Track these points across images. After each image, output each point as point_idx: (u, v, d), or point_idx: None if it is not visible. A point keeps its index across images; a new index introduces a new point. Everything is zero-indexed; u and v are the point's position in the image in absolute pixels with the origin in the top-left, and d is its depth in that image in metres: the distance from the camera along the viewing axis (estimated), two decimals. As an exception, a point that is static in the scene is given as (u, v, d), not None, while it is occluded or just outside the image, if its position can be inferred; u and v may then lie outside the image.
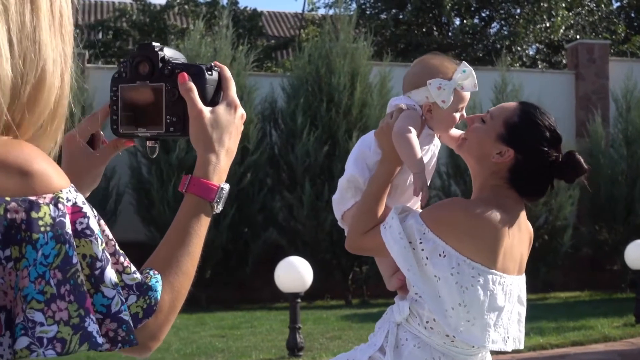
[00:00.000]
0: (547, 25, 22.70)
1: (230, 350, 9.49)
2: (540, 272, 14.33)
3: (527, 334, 9.94)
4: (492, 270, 2.71)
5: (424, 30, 22.72)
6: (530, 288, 2.98)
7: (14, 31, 1.31)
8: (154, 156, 1.82)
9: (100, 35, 22.39)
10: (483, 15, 23.92)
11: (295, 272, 8.36)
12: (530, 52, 23.67)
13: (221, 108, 1.72)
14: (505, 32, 23.11)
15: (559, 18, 22.46)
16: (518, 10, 23.23)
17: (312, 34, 20.33)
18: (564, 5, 22.84)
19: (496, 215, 2.73)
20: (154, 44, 1.76)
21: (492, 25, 23.87)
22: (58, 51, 1.38)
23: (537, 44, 23.50)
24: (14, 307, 1.26)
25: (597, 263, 15.81)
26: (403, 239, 2.71)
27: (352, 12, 17.80)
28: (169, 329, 1.58)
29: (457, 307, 2.69)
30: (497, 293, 2.73)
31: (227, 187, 1.70)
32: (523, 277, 2.90)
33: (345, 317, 12.08)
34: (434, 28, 23.04)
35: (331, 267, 13.85)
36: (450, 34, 22.90)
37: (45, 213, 1.28)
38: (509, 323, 2.79)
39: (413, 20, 22.42)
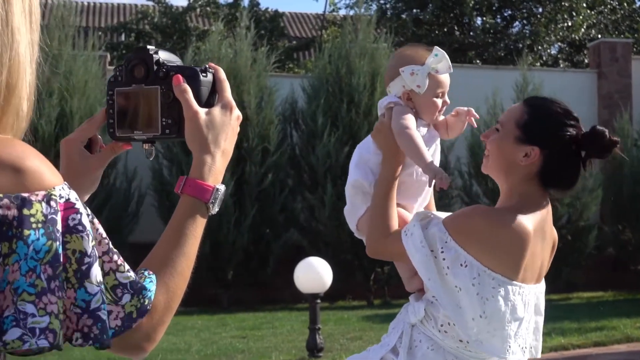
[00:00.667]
0: (569, 24, 22.58)
1: (250, 351, 9.51)
2: (563, 273, 14.26)
3: (548, 335, 9.91)
4: (513, 282, 2.68)
5: (445, 30, 22.66)
6: (553, 288, 2.95)
7: None
8: (151, 159, 1.83)
9: (122, 38, 22.50)
10: (505, 14, 23.82)
11: (314, 273, 8.35)
12: (552, 52, 23.54)
13: (216, 109, 1.73)
14: (527, 32, 23.00)
15: (581, 17, 22.34)
16: (540, 10, 23.11)
17: (333, 35, 20.32)
18: (585, 4, 22.70)
19: (521, 225, 2.67)
20: (148, 47, 1.77)
21: (514, 24, 23.76)
22: (28, 37, 1.39)
23: (559, 43, 23.37)
24: (2, 301, 1.27)
25: (620, 263, 15.70)
26: (425, 247, 2.68)
27: (372, 13, 17.80)
28: (164, 330, 1.58)
29: (477, 318, 2.66)
30: (517, 304, 2.71)
31: (222, 188, 1.70)
32: (542, 285, 2.86)
33: (366, 318, 12.06)
34: (455, 28, 22.97)
35: (353, 268, 13.84)
36: (471, 33, 22.82)
37: (37, 210, 1.29)
38: (527, 333, 2.78)
39: (434, 20, 22.37)
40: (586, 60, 22.14)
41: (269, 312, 13.05)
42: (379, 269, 14.17)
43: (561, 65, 22.38)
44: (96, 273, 1.38)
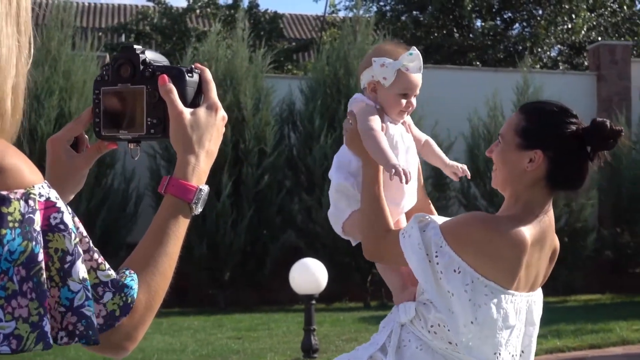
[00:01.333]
0: (569, 26, 22.59)
1: (245, 352, 9.51)
2: (562, 275, 14.25)
3: (544, 337, 9.91)
4: (507, 290, 2.67)
5: (444, 32, 22.66)
6: (551, 291, 2.93)
7: None
8: (136, 158, 1.83)
9: (122, 38, 22.50)
10: (504, 16, 23.83)
11: (309, 274, 8.35)
12: (552, 54, 23.55)
13: (202, 110, 1.73)
14: (527, 34, 23.01)
15: (581, 19, 22.34)
16: (540, 12, 23.12)
17: (333, 36, 20.33)
18: (585, 6, 22.71)
19: (519, 236, 2.65)
20: (135, 46, 1.77)
21: (514, 26, 23.77)
22: (13, 40, 1.38)
23: (559, 46, 23.38)
24: None
25: (619, 266, 15.70)
26: (422, 249, 2.67)
27: (371, 15, 17.81)
28: (145, 330, 1.58)
29: (469, 324, 2.66)
30: (509, 312, 2.70)
31: (206, 188, 1.70)
32: (536, 294, 2.84)
33: (362, 319, 12.06)
34: (455, 30, 22.97)
35: (350, 270, 13.84)
36: (471, 35, 22.82)
37: (15, 209, 1.29)
38: (517, 341, 2.77)
39: (433, 22, 22.36)
40: (586, 63, 22.15)
41: (265, 313, 13.05)
42: (375, 270, 14.13)
43: (561, 68, 22.37)
44: (79, 270, 1.38)
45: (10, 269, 1.27)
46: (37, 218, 1.32)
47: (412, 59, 2.88)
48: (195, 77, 1.76)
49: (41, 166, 1.47)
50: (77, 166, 1.83)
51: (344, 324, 11.50)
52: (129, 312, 1.50)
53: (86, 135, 1.86)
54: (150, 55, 1.77)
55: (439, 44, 22.06)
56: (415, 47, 2.93)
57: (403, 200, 2.96)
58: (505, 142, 2.78)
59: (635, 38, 22.90)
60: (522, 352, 2.84)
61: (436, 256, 2.66)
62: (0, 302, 1.27)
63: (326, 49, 14.80)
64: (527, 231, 2.67)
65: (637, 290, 15.23)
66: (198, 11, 22.71)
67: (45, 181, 1.37)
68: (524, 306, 2.76)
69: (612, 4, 23.70)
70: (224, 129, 1.77)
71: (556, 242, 2.85)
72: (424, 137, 3.12)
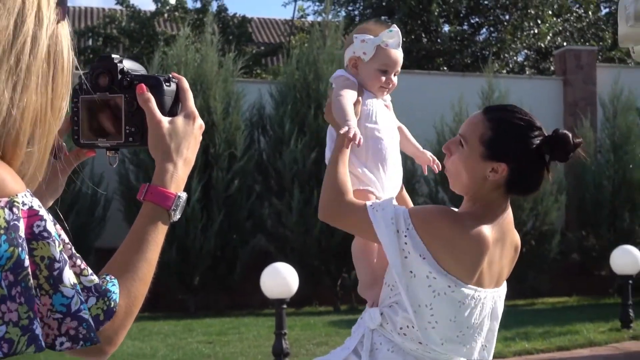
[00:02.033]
0: (535, 31, 22.79)
1: (217, 356, 9.52)
2: (529, 278, 14.38)
3: (512, 339, 10.02)
4: (468, 285, 2.73)
5: (412, 37, 22.78)
6: (519, 294, 2.99)
7: None
8: (115, 166, 1.86)
9: (90, 42, 22.38)
10: (472, 21, 23.99)
11: (280, 278, 8.38)
12: (519, 59, 23.74)
13: (179, 119, 1.76)
14: (494, 39, 23.18)
15: (547, 24, 22.55)
16: (507, 17, 23.30)
17: (302, 41, 20.37)
18: (551, 12, 22.93)
19: (482, 233, 2.71)
20: (113, 55, 1.80)
21: (481, 31, 23.94)
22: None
23: (526, 50, 23.57)
24: None
25: (584, 268, 15.86)
26: (394, 224, 2.73)
27: (340, 19, 17.87)
28: (125, 334, 1.61)
29: (423, 307, 2.73)
30: (468, 306, 2.76)
31: (184, 195, 1.74)
32: (501, 289, 2.90)
33: (332, 323, 12.10)
34: (423, 35, 23.10)
35: (319, 274, 13.88)
36: (438, 40, 22.96)
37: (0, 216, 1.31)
38: (473, 335, 2.83)
39: (401, 27, 22.43)
40: (552, 68, 22.36)
41: (235, 317, 13.05)
42: (345, 274, 14.21)
43: (527, 73, 22.56)
44: (69, 276, 1.40)
45: None
46: (22, 225, 1.34)
47: (392, 35, 3.01)
48: (173, 86, 1.79)
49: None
50: (56, 173, 1.86)
51: (315, 328, 11.53)
52: (112, 316, 1.53)
53: (64, 143, 1.89)
54: (128, 65, 1.80)
55: (407, 49, 22.09)
56: (395, 25, 3.06)
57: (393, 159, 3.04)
58: (469, 149, 2.80)
59: (601, 43, 23.15)
60: (485, 346, 2.90)
61: (405, 235, 2.72)
62: None
63: (296, 54, 14.83)
64: (489, 229, 2.74)
65: (602, 293, 15.39)
66: (166, 15, 22.65)
67: (28, 190, 1.40)
68: (489, 302, 2.83)
69: (577, 10, 23.94)
70: (201, 137, 1.81)
71: (517, 238, 2.92)
72: (398, 123, 3.20)
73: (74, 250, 1.46)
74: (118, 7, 22.99)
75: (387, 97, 3.17)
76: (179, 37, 14.80)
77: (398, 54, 3.04)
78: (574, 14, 23.79)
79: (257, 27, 27.20)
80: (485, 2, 23.34)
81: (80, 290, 1.44)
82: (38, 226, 1.37)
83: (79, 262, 1.46)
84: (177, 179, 1.74)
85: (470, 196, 2.83)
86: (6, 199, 1.33)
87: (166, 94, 1.77)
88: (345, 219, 2.90)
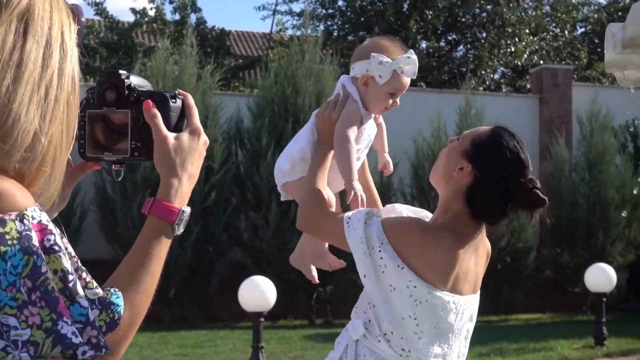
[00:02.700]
0: (512, 49, 22.97)
1: (192, 369, 9.51)
2: (503, 294, 14.46)
3: (487, 355, 10.07)
4: (445, 292, 2.78)
5: (390, 52, 22.87)
6: (493, 310, 3.05)
7: None
8: (119, 179, 1.89)
9: (67, 52, 22.27)
10: (449, 38, 24.14)
11: (259, 292, 8.40)
12: (496, 76, 23.91)
13: (185, 135, 1.79)
14: (471, 56, 23.34)
15: (524, 43, 22.73)
16: (484, 35, 23.47)
17: (280, 54, 20.42)
18: (528, 30, 23.12)
19: (450, 242, 2.78)
20: (120, 72, 1.83)
21: (458, 48, 24.09)
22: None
23: (502, 68, 23.75)
24: None
25: (559, 285, 15.96)
26: (363, 243, 2.78)
27: (319, 34, 17.93)
28: (127, 345, 1.64)
29: (407, 318, 2.77)
30: (448, 312, 2.81)
31: (188, 210, 1.77)
32: (477, 295, 2.97)
33: (308, 337, 12.11)
34: (401, 50, 23.19)
35: (295, 287, 13.87)
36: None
37: (11, 228, 1.34)
38: (454, 340, 2.88)
39: (379, 42, 22.56)
40: (528, 86, 22.53)
41: (210, 330, 13.03)
42: (321, 288, 14.23)
43: (503, 90, 22.72)
44: (80, 288, 1.43)
45: (16, 281, 1.33)
46: (34, 235, 1.37)
47: (409, 62, 2.98)
48: (179, 102, 1.82)
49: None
50: (62, 185, 1.88)
51: (290, 342, 11.54)
52: (115, 328, 1.56)
53: (70, 156, 1.91)
54: (135, 81, 1.83)
55: (384, 64, 22.20)
56: (412, 51, 3.03)
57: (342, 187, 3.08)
58: (460, 143, 2.92)
59: (576, 62, 23.36)
60: (460, 352, 2.95)
61: (379, 250, 2.77)
62: (13, 311, 1.32)
63: (274, 67, 14.87)
64: (460, 239, 2.81)
65: (576, 310, 15.50)
66: (145, 26, 22.62)
67: (37, 204, 1.42)
68: (468, 309, 2.89)
69: (553, 29, 24.15)
70: (205, 153, 1.84)
71: (488, 245, 2.99)
72: (380, 119, 3.23)
73: (79, 263, 1.48)
74: (97, 18, 22.94)
75: None
76: (158, 48, 14.80)
77: (409, 80, 3.05)
78: (551, 33, 24.00)
79: (235, 40, 27.22)
80: (463, 20, 23.50)
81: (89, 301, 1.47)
82: (48, 240, 1.40)
83: (84, 275, 1.49)
84: (182, 193, 1.77)
85: (442, 202, 2.92)
86: (16, 213, 1.37)
87: (172, 110, 1.81)
88: (322, 230, 2.97)
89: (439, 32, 23.61)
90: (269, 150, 13.78)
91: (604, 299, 11.19)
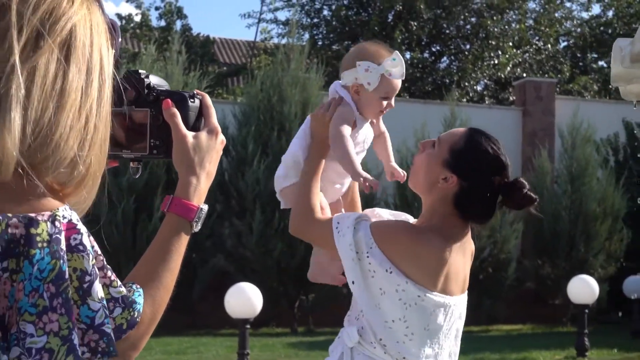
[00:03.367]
0: (495, 62, 23.10)
1: (176, 375, 9.49)
2: (484, 305, 14.51)
3: (470, 365, 10.11)
4: (435, 293, 2.81)
5: (375, 62, 22.96)
6: (474, 320, 3.07)
7: None
8: (137, 176, 1.91)
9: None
10: (433, 50, 24.25)
11: (245, 298, 8.41)
12: (478, 88, 24.03)
13: (203, 134, 1.82)
14: (454, 68, 23.45)
15: (507, 55, 22.87)
16: (468, 46, 23.60)
17: (264, 63, 20.45)
18: (511, 43, 23.27)
19: (438, 242, 2.81)
20: (140, 71, 1.85)
21: (442, 60, 24.21)
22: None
23: (485, 80, 23.88)
24: (9, 317, 1.33)
25: (539, 297, 16.04)
26: (352, 250, 2.80)
27: (304, 43, 17.97)
28: (147, 339, 1.67)
29: (397, 320, 2.79)
30: (438, 313, 2.84)
31: (205, 207, 1.80)
32: (465, 294, 3.00)
33: (291, 345, 12.11)
34: (385, 60, 23.28)
35: (278, 295, 13.89)
36: (401, 67, 23.14)
37: (43, 230, 1.35)
38: (444, 340, 2.90)
39: (364, 52, 22.64)
40: (511, 98, 22.67)
41: (193, 337, 13.01)
42: (303, 297, 14.25)
43: (487, 102, 22.85)
44: (97, 290, 1.43)
45: (40, 287, 1.33)
46: (62, 238, 1.38)
47: (396, 64, 2.96)
48: (197, 102, 1.85)
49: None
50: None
51: (274, 349, 11.54)
52: (135, 325, 1.58)
53: None
54: (154, 80, 1.86)
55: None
56: (397, 52, 3.01)
57: (342, 181, 3.10)
58: (438, 151, 2.91)
59: (559, 76, 23.51)
60: (451, 351, 2.97)
61: (367, 256, 2.79)
62: (31, 318, 1.33)
63: (260, 75, 14.90)
64: (448, 241, 2.83)
65: (557, 321, 15.57)
66: (130, 32, 22.61)
67: (67, 204, 1.44)
68: (458, 308, 2.91)
69: (537, 42, 24.31)
70: (221, 152, 1.87)
71: (472, 245, 3.01)
72: (383, 128, 3.21)
73: (105, 262, 1.50)
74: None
75: None
76: (144, 54, 14.81)
77: (400, 82, 3.04)
78: (534, 46, 24.16)
79: (219, 47, 27.23)
80: (447, 31, 23.62)
81: (106, 304, 1.47)
82: (75, 239, 1.41)
83: (109, 273, 1.50)
84: (200, 191, 1.80)
85: (429, 206, 2.93)
86: (49, 213, 1.38)
87: (190, 109, 1.83)
88: (313, 235, 3.00)
89: (423, 43, 23.72)
90: (254, 157, 13.80)
91: (586, 311, 11.26)
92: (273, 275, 13.69)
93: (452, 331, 2.93)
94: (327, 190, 3.08)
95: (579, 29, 25.66)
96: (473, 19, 23.42)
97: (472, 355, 10.49)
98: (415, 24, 22.63)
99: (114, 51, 1.54)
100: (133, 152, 1.84)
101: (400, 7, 22.50)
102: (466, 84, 23.07)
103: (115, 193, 13.31)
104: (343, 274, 2.98)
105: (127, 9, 42.31)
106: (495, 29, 23.01)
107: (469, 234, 2.95)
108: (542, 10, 24.64)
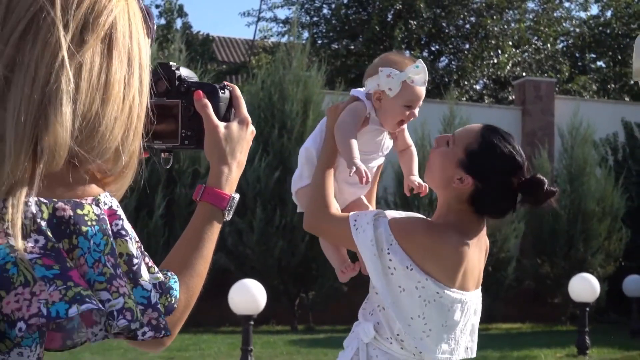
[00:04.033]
0: (495, 61, 23.13)
1: (179, 371, 9.51)
2: (483, 303, 14.51)
3: (472, 362, 10.15)
4: (453, 289, 2.83)
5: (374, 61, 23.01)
6: None
7: None
8: (168, 167, 1.94)
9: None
10: (432, 49, 24.29)
11: (249, 295, 8.44)
12: (477, 87, 24.06)
13: (234, 124, 1.85)
14: (454, 67, 23.49)
15: (506, 55, 22.91)
16: (467, 46, 23.64)
17: (264, 61, 20.47)
18: (511, 42, 23.30)
19: (457, 239, 2.83)
20: (171, 63, 1.88)
21: (441, 59, 24.24)
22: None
23: (485, 80, 23.91)
24: None
25: (538, 296, 16.07)
26: (374, 246, 2.81)
27: (304, 41, 17.99)
28: (181, 326, 1.70)
29: (416, 317, 2.82)
30: (455, 310, 2.85)
31: (237, 196, 1.83)
32: (479, 289, 3.02)
33: (292, 342, 12.14)
34: (385, 59, 23.32)
35: (278, 293, 13.91)
36: (400, 66, 23.18)
37: (89, 211, 1.40)
38: (460, 335, 2.92)
39: (364, 51, 22.69)
40: (510, 97, 22.70)
41: (193, 334, 13.02)
42: (303, 294, 14.27)
43: (486, 101, 22.88)
44: (144, 271, 1.48)
45: (101, 257, 1.38)
46: (107, 220, 1.43)
47: (418, 71, 2.96)
48: (227, 93, 1.88)
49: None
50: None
51: (275, 346, 11.57)
52: (172, 311, 1.61)
53: None
54: (184, 72, 1.88)
55: (368, 73, 22.28)
56: (421, 60, 3.00)
57: (356, 183, 3.06)
58: (452, 150, 2.92)
59: (558, 75, 23.55)
60: (468, 347, 2.99)
61: (388, 253, 2.81)
62: (102, 286, 1.37)
63: (261, 74, 14.92)
64: (466, 237, 2.85)
65: (556, 320, 15.61)
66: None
67: (107, 191, 1.48)
68: (473, 304, 2.94)
69: (536, 42, 24.35)
70: (251, 142, 1.90)
71: (487, 241, 3.02)
72: (409, 142, 3.20)
73: (142, 249, 1.53)
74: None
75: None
76: (145, 52, 14.80)
77: (423, 90, 3.02)
78: (533, 46, 24.19)
79: (217, 46, 27.24)
80: (447, 31, 23.66)
81: (153, 285, 1.51)
82: (117, 225, 1.45)
83: (147, 259, 1.53)
84: (231, 181, 1.83)
85: (443, 203, 2.94)
86: (92, 198, 1.42)
87: (221, 100, 1.86)
88: (328, 231, 3.02)
89: (422, 42, 23.74)
90: (255, 155, 13.82)
91: (587, 309, 11.29)
92: (273, 273, 13.71)
93: (467, 326, 2.95)
94: (344, 190, 3.10)
95: (577, 29, 25.70)
96: (472, 19, 23.45)
97: (472, 353, 10.50)
98: (415, 23, 22.65)
99: (149, 40, 1.57)
100: (165, 142, 1.86)
101: (400, 6, 22.53)
102: (465, 83, 23.10)
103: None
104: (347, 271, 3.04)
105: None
106: (495, 29, 23.04)
107: (484, 230, 2.97)
108: (541, 10, 24.68)
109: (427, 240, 2.82)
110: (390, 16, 22.99)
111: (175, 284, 1.62)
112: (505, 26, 23.61)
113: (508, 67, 22.95)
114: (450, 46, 23.91)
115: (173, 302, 1.60)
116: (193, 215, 1.81)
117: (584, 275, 11.75)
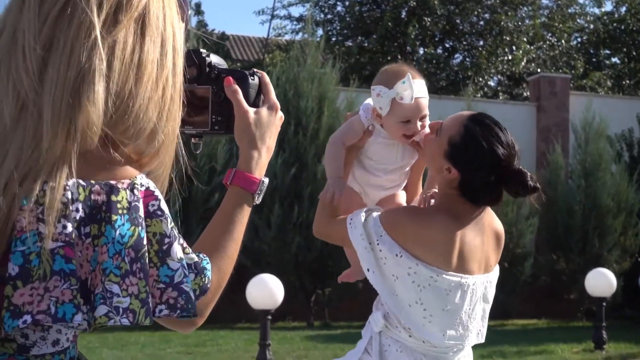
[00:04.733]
0: (509, 57, 23.11)
1: (198, 366, 9.56)
2: (499, 300, 14.51)
3: (489, 357, 10.15)
4: (450, 272, 2.84)
5: (388, 58, 23.00)
6: (489, 314, 3.07)
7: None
8: (198, 152, 1.98)
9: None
10: (447, 45, 24.28)
11: (266, 290, 8.48)
12: (492, 84, 24.04)
13: (264, 110, 1.88)
14: (468, 63, 23.47)
15: (521, 51, 22.88)
16: (481, 42, 23.62)
17: (278, 59, 20.50)
18: (525, 39, 23.27)
19: (446, 222, 2.84)
20: (201, 50, 1.92)
21: (455, 55, 24.22)
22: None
23: (499, 76, 23.89)
24: (92, 279, 1.40)
25: (554, 292, 16.05)
26: (364, 239, 2.86)
27: (318, 38, 18.02)
28: (212, 307, 1.73)
29: (414, 304, 2.84)
30: (455, 293, 2.86)
31: (266, 180, 1.87)
32: (492, 274, 3.00)
33: (309, 338, 12.17)
34: (399, 56, 23.34)
35: (294, 289, 13.95)
36: (414, 63, 23.21)
37: (123, 197, 1.42)
38: (469, 321, 2.92)
39: (378, 48, 22.71)
40: (525, 94, 22.67)
41: (210, 330, 13.07)
42: (319, 290, 14.30)
43: (500, 97, 22.86)
44: (177, 251, 1.50)
45: (122, 251, 1.40)
46: (141, 206, 1.45)
47: (405, 87, 2.85)
48: (256, 79, 1.91)
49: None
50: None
51: (292, 342, 11.61)
52: (206, 292, 1.64)
53: None
54: (214, 59, 1.92)
55: (382, 70, 22.29)
56: (410, 75, 2.87)
57: (379, 186, 3.11)
58: (439, 141, 2.90)
59: (572, 71, 23.51)
60: (480, 330, 3.00)
61: (378, 243, 2.85)
62: (117, 279, 1.39)
63: (276, 71, 14.96)
64: (453, 217, 2.86)
65: (571, 316, 15.59)
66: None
67: (143, 173, 1.51)
68: (479, 287, 2.92)
69: (550, 38, 24.31)
70: (280, 127, 1.94)
71: (498, 226, 3.01)
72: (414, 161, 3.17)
73: (177, 230, 1.55)
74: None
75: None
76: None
77: (417, 104, 2.89)
78: (547, 42, 24.15)
79: (232, 44, 27.29)
80: (461, 27, 23.64)
81: (185, 265, 1.53)
82: (153, 205, 1.48)
83: (181, 240, 1.56)
84: (261, 165, 1.87)
85: (438, 187, 2.98)
86: (128, 181, 1.45)
87: (251, 86, 1.89)
88: (335, 235, 3.07)
89: (436, 39, 23.74)
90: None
91: (604, 304, 11.27)
92: (290, 269, 13.75)
93: (477, 312, 2.94)
94: (368, 193, 3.13)
95: (592, 25, 25.64)
96: (487, 15, 23.42)
97: (490, 347, 10.52)
98: (429, 20, 22.65)
99: (183, 24, 1.61)
100: (195, 127, 1.90)
101: (414, 3, 22.53)
102: (480, 79, 23.08)
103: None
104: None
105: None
106: (509, 25, 23.01)
107: (487, 212, 2.96)
108: (555, 7, 24.63)
109: (413, 225, 2.85)
110: (404, 13, 22.99)
111: (208, 265, 1.65)
112: (520, 22, 23.58)
113: (522, 64, 22.92)
114: (465, 43, 23.90)
115: (206, 282, 1.63)
116: (224, 199, 1.84)
117: (600, 270, 11.74)
